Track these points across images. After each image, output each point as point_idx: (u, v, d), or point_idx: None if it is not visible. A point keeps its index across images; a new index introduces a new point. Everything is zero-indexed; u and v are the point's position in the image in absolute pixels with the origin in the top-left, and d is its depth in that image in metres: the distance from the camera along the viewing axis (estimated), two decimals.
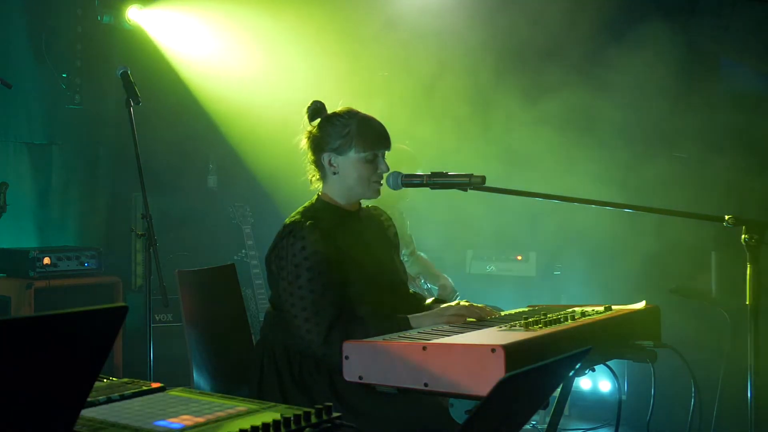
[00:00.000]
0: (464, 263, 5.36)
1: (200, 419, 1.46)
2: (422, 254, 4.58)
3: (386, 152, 2.63)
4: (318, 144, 2.61)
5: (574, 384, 2.98)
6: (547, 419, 2.55)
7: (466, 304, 2.47)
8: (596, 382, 4.82)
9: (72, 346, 1.19)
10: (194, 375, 2.81)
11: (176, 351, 3.99)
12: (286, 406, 1.58)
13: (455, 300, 4.40)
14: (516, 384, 1.38)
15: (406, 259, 4.38)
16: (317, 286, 2.42)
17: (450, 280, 4.42)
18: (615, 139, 4.90)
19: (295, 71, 5.49)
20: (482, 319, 2.41)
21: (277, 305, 2.54)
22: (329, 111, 2.66)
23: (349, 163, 2.57)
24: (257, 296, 5.12)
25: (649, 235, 4.66)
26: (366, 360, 1.96)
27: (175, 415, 1.49)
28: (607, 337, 2.25)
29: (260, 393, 2.53)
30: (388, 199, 3.65)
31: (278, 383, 2.50)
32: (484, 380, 1.76)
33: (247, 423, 1.38)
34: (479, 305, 2.50)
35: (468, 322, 2.35)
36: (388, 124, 2.65)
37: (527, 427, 4.38)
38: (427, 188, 2.57)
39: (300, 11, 5.47)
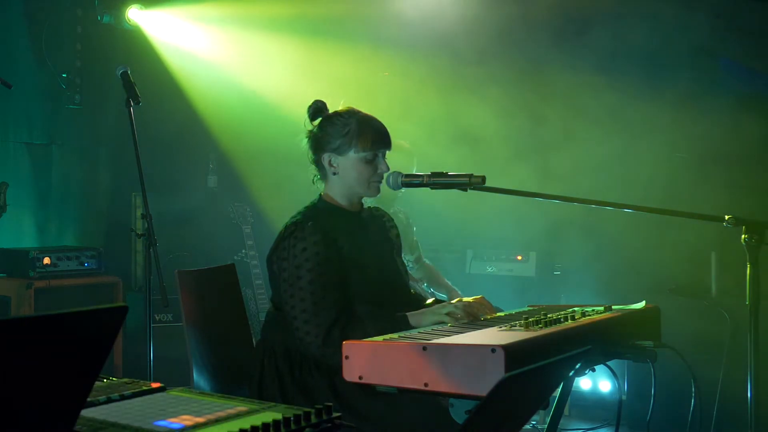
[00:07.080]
0: (464, 263, 5.36)
1: (200, 419, 1.46)
2: (428, 262, 4.53)
3: (387, 152, 2.63)
4: (318, 144, 2.61)
5: (574, 384, 2.98)
6: (547, 419, 2.55)
7: (462, 301, 2.45)
8: (596, 382, 4.82)
9: (72, 346, 1.19)
10: (194, 375, 2.81)
11: (176, 351, 3.99)
12: (286, 406, 1.58)
13: None
14: (516, 384, 1.38)
15: (411, 265, 4.32)
16: (318, 288, 2.42)
17: (458, 291, 4.31)
18: (615, 139, 4.90)
19: (296, 71, 5.49)
20: (477, 318, 2.41)
21: (278, 305, 2.54)
22: (331, 111, 2.66)
23: (349, 163, 2.56)
24: (257, 296, 5.11)
25: (649, 235, 4.65)
26: (366, 360, 1.96)
27: (175, 415, 1.49)
28: (607, 337, 2.25)
29: (260, 393, 2.53)
30: (385, 201, 3.63)
31: (278, 383, 2.50)
32: (484, 380, 1.76)
33: (247, 423, 1.38)
34: (474, 299, 2.49)
35: (468, 323, 2.35)
36: (388, 123, 2.65)
37: (527, 427, 4.37)
38: (427, 188, 2.56)
39: (301, 10, 5.47)
